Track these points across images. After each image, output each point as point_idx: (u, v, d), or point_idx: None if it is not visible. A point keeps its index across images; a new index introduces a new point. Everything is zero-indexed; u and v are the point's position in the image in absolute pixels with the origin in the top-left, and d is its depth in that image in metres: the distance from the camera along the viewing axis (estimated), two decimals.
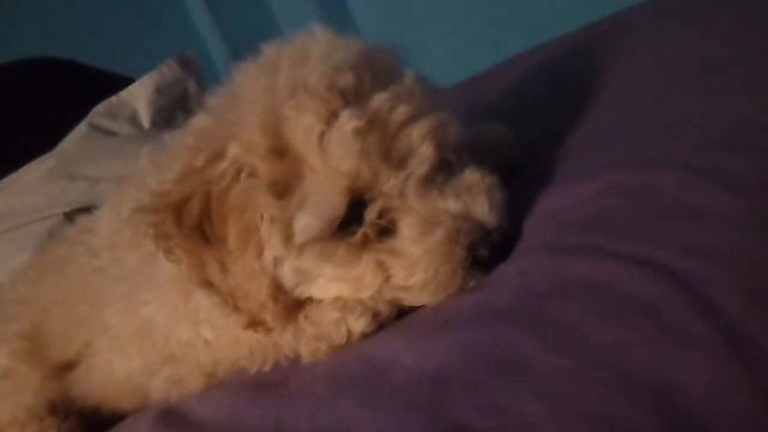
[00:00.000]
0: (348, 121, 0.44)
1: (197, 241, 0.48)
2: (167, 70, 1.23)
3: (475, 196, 0.47)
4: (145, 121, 1.20)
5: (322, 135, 0.44)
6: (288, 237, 0.45)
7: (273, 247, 0.46)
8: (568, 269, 0.38)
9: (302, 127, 0.44)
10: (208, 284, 0.49)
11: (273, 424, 0.41)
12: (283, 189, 0.46)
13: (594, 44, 0.88)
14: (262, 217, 0.45)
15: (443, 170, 0.48)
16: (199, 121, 0.53)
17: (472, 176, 0.49)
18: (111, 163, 1.05)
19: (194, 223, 0.48)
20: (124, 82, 1.31)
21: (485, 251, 0.46)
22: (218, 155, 0.48)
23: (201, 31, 1.83)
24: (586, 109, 0.67)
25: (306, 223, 0.45)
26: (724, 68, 0.57)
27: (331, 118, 0.44)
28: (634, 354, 0.30)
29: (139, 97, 1.20)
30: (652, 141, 0.50)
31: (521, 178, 0.56)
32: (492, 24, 1.53)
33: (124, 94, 1.22)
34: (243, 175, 0.46)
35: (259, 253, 0.46)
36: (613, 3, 1.07)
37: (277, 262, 0.46)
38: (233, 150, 0.47)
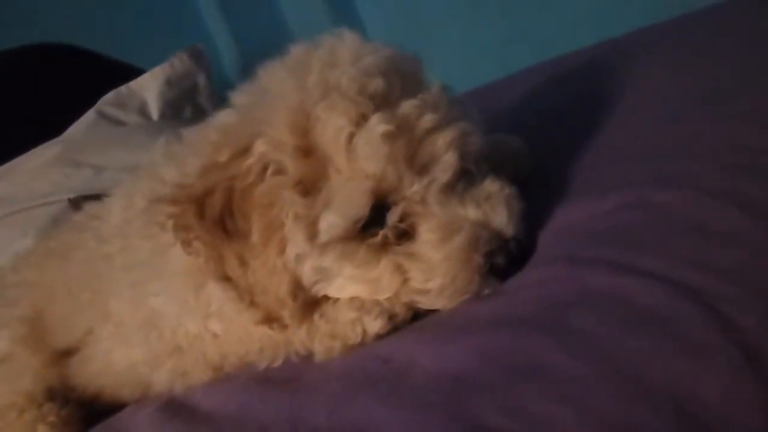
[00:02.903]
0: (377, 125, 0.45)
1: (218, 234, 0.48)
2: (178, 62, 1.24)
3: (494, 206, 0.48)
4: (154, 112, 1.20)
5: (351, 137, 0.45)
6: (312, 235, 0.46)
7: (297, 244, 0.46)
8: (587, 281, 0.39)
9: (332, 127, 0.45)
10: (226, 278, 0.49)
11: (288, 418, 0.41)
12: (308, 188, 0.46)
13: (605, 63, 0.89)
14: (287, 214, 0.46)
15: (464, 179, 0.49)
16: (224, 117, 0.53)
17: (491, 186, 0.50)
18: (117, 153, 1.05)
19: (216, 217, 0.48)
20: (133, 72, 1.31)
21: (502, 260, 0.47)
22: (244, 151, 0.48)
23: (210, 28, 1.83)
24: (597, 126, 0.69)
25: (331, 222, 0.46)
26: (736, 95, 0.59)
27: (360, 120, 0.45)
28: (653, 364, 0.31)
29: (148, 88, 1.20)
30: (667, 162, 0.52)
31: (534, 190, 0.57)
32: (500, 40, 1.55)
33: (133, 84, 1.22)
34: (269, 172, 0.47)
35: (282, 249, 0.47)
36: (620, 25, 1.10)
37: (298, 259, 0.47)
38: (260, 147, 0.47)
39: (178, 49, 1.34)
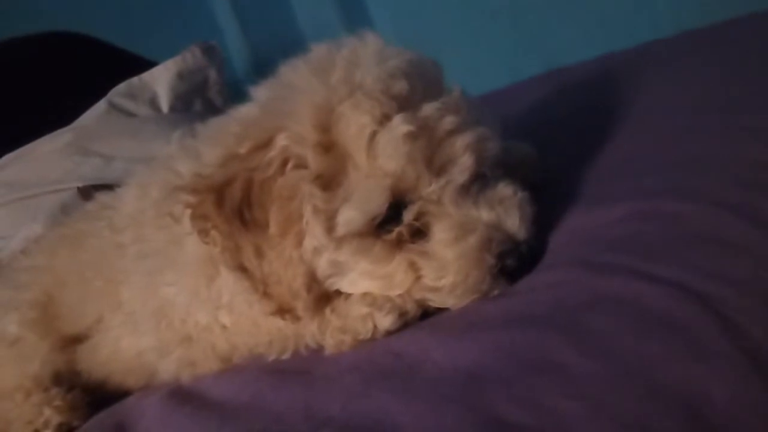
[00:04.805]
0: (400, 125, 0.46)
1: (236, 224, 0.49)
2: (190, 56, 1.25)
3: (507, 209, 0.50)
4: (164, 104, 1.21)
5: (373, 135, 0.46)
6: (330, 228, 0.47)
7: (315, 237, 0.47)
8: (600, 285, 0.40)
9: (355, 125, 0.46)
10: (241, 268, 0.50)
11: (302, 408, 0.42)
12: (328, 183, 0.47)
13: (616, 73, 0.91)
14: (306, 207, 0.47)
15: (479, 182, 0.50)
16: (246, 110, 0.54)
17: (505, 190, 0.51)
18: (127, 143, 1.06)
19: (234, 207, 0.49)
20: (144, 64, 1.32)
21: (513, 262, 0.48)
22: (265, 144, 0.49)
23: (221, 24, 1.84)
24: (607, 136, 0.70)
25: (350, 217, 0.47)
26: (747, 110, 0.60)
27: (384, 120, 0.46)
28: (664, 367, 0.32)
29: (160, 80, 1.21)
30: (678, 174, 0.53)
31: (543, 197, 0.58)
32: (510, 48, 1.56)
33: (146, 76, 1.23)
34: (289, 165, 0.48)
35: (299, 242, 0.48)
36: (629, 38, 1.11)
37: (315, 252, 0.48)
38: (282, 141, 0.48)
39: (188, 43, 1.35)
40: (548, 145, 0.70)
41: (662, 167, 0.55)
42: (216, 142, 0.55)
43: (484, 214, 0.49)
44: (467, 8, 1.60)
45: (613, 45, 1.10)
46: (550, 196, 0.58)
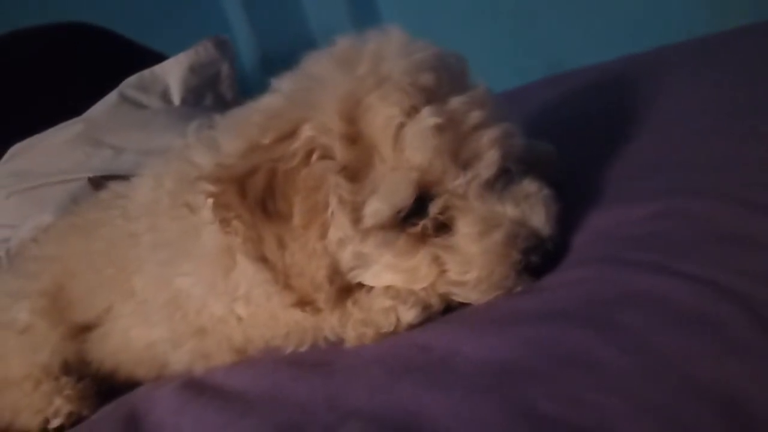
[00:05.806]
0: (428, 117, 0.46)
1: (258, 215, 0.49)
2: (203, 50, 1.25)
3: (533, 205, 0.49)
4: (176, 97, 1.21)
5: (401, 127, 0.46)
6: (356, 220, 0.47)
7: (340, 228, 0.47)
8: (631, 281, 0.40)
9: (383, 116, 0.46)
10: (263, 259, 0.50)
11: (325, 399, 0.41)
12: (353, 174, 0.47)
13: (630, 76, 0.91)
14: (332, 198, 0.47)
15: (504, 177, 0.50)
16: (270, 101, 0.54)
17: (530, 186, 0.51)
18: (137, 135, 1.06)
19: (257, 197, 0.49)
20: (154, 56, 1.32)
21: (538, 258, 0.48)
22: (289, 135, 0.49)
23: (230, 19, 1.84)
24: (622, 136, 0.69)
25: (377, 209, 0.46)
26: (761, 113, 0.60)
27: (411, 112, 0.46)
28: (701, 363, 0.32)
29: (172, 73, 1.21)
30: (698, 174, 0.53)
31: (563, 195, 0.58)
32: (514, 50, 1.57)
33: (158, 68, 1.22)
34: (314, 156, 0.48)
35: (323, 233, 0.47)
36: (635, 38, 1.11)
37: (340, 243, 0.48)
38: (307, 131, 0.48)
39: (197, 38, 1.34)
40: (561, 146, 0.69)
41: (678, 167, 0.55)
42: (237, 132, 0.54)
43: (510, 210, 0.48)
44: (475, 11, 1.60)
45: (616, 48, 1.10)
46: (568, 195, 0.58)
